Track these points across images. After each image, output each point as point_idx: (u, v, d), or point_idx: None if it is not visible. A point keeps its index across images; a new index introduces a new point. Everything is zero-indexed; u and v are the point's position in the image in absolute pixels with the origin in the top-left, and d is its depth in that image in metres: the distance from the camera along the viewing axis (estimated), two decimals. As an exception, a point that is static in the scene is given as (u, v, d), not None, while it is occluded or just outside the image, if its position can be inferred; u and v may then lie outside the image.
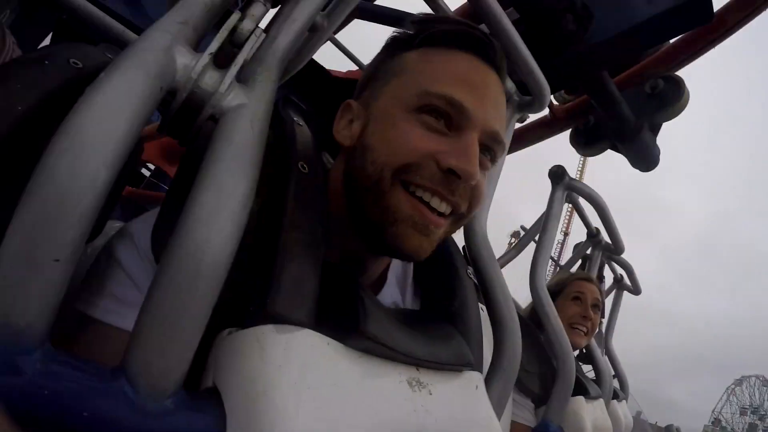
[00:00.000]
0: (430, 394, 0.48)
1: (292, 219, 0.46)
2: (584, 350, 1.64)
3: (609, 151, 1.55)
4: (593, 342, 1.59)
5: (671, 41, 1.38)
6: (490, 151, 0.60)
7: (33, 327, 0.30)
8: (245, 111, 0.43)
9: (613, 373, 1.77)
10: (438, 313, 0.66)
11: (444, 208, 0.55)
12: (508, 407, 0.84)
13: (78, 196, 0.29)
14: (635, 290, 1.95)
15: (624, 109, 1.29)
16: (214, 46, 0.44)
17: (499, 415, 0.61)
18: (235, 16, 0.47)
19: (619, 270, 1.96)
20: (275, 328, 0.38)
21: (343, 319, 0.44)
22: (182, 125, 0.45)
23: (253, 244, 0.45)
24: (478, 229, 0.85)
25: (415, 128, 0.55)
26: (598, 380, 1.55)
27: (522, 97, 0.95)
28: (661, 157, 1.49)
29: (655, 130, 1.42)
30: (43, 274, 0.29)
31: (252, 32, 0.47)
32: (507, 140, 0.92)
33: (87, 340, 0.46)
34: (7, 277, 0.29)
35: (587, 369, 1.63)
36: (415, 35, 0.61)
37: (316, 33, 0.80)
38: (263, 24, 0.58)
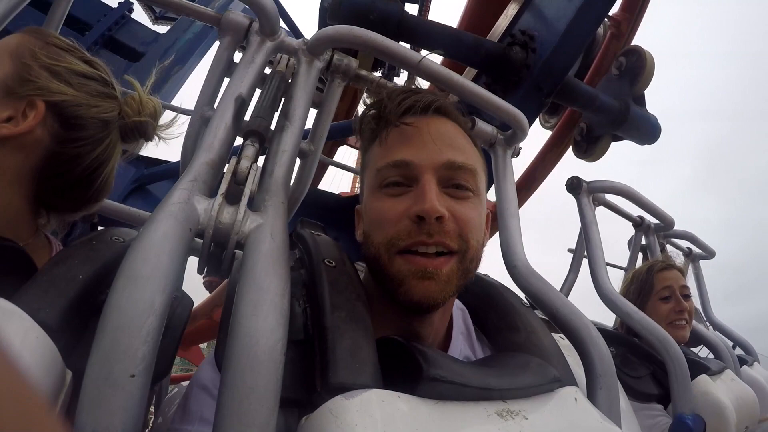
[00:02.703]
0: (526, 419, 0.46)
1: (332, 302, 0.51)
2: None
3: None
4: (692, 322, 1.48)
5: (609, 17, 1.47)
6: (458, 182, 0.63)
7: None
8: (264, 228, 0.50)
9: (731, 343, 1.62)
10: (510, 350, 0.65)
11: (432, 249, 0.58)
12: (633, 424, 0.76)
13: (141, 318, 0.35)
14: (708, 254, 1.81)
15: (604, 100, 1.35)
16: (223, 187, 0.53)
17: (616, 420, 0.57)
18: (233, 161, 0.56)
19: (684, 243, 1.84)
20: (343, 396, 0.40)
21: (407, 373, 0.45)
22: (217, 259, 0.52)
23: (305, 339, 0.49)
24: (518, 262, 0.85)
25: (384, 202, 0.61)
26: (715, 353, 1.45)
27: (505, 134, 1.01)
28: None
29: (641, 101, 1.45)
30: (123, 389, 0.34)
31: (249, 168, 0.57)
32: (506, 178, 0.96)
33: None
34: (92, 395, 0.34)
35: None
36: (371, 135, 0.71)
37: (307, 158, 0.93)
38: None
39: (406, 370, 0.47)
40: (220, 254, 0.52)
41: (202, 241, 0.49)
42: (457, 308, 0.74)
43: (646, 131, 1.49)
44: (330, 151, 2.33)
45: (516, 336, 0.66)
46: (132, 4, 3.33)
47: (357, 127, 0.75)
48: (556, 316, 0.74)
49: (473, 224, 0.62)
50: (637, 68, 1.40)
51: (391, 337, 0.53)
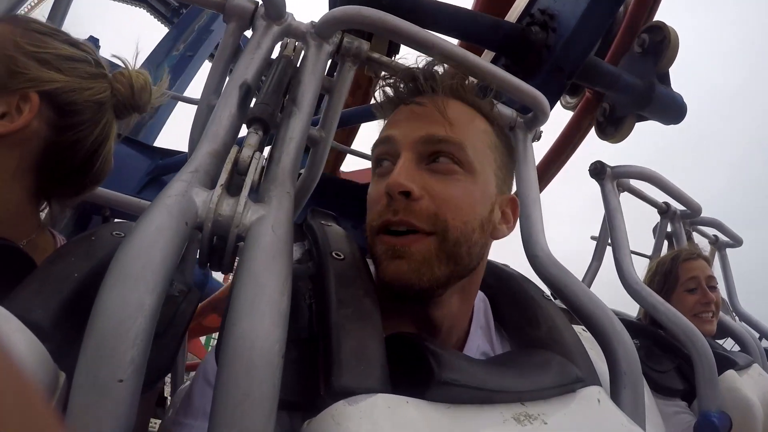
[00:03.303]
0: (545, 423, 0.43)
1: (338, 298, 0.48)
2: None
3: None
4: (719, 314, 1.42)
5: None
6: (441, 154, 0.59)
7: None
8: (265, 220, 0.48)
9: (757, 335, 1.56)
10: (529, 346, 0.61)
11: (402, 227, 0.55)
12: (657, 420, 0.72)
13: (129, 319, 0.33)
14: (735, 242, 1.74)
15: (627, 79, 1.28)
16: (222, 178, 0.50)
17: (641, 421, 0.53)
18: (233, 150, 0.54)
19: (710, 231, 1.77)
20: (347, 401, 0.38)
21: (418, 375, 0.42)
22: (218, 254, 0.50)
23: (310, 338, 0.47)
24: (539, 252, 0.81)
25: (375, 184, 0.61)
26: (742, 347, 1.40)
27: (525, 117, 0.96)
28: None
29: (665, 80, 1.38)
30: (111, 394, 0.32)
31: (252, 157, 0.54)
32: (528, 164, 0.92)
33: None
34: (80, 401, 0.32)
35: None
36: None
37: (318, 146, 0.90)
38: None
39: (417, 371, 0.44)
40: (221, 247, 0.50)
41: (200, 243, 0.47)
42: (479, 300, 0.70)
43: (672, 111, 1.42)
44: (347, 138, 2.29)
45: (536, 331, 0.62)
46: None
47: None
48: (580, 309, 0.70)
49: (456, 202, 0.57)
50: (662, 45, 1.33)
51: (402, 333, 0.49)
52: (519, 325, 0.65)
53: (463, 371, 0.43)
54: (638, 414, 0.56)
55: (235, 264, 0.52)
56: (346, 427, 0.35)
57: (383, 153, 0.62)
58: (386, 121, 0.66)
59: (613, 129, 1.49)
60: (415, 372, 0.43)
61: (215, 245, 0.51)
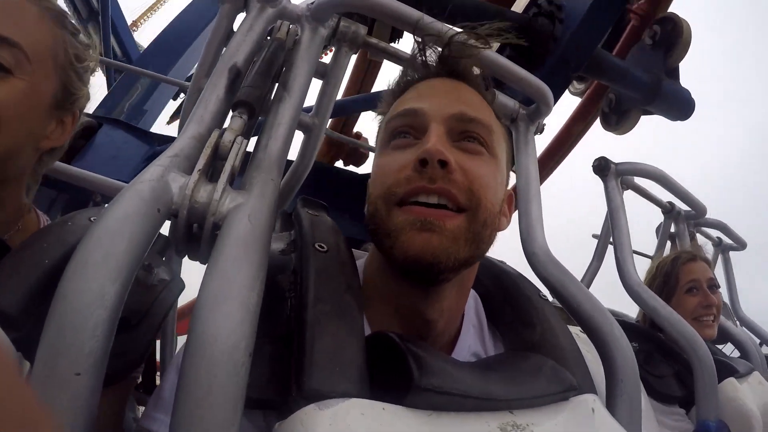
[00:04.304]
0: (533, 434, 0.40)
1: (316, 294, 0.45)
2: None
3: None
4: (720, 318, 1.39)
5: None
6: (470, 134, 0.57)
7: None
8: (242, 209, 0.45)
9: (758, 340, 1.54)
10: (522, 348, 0.58)
11: (435, 199, 0.51)
12: (653, 427, 0.69)
13: (88, 310, 0.31)
14: (740, 245, 1.70)
15: (635, 73, 1.24)
16: (200, 163, 0.47)
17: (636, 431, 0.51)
18: (215, 134, 0.51)
19: (714, 232, 1.73)
20: (317, 405, 0.35)
21: (397, 380, 0.40)
22: (196, 242, 0.47)
23: (287, 334, 0.44)
24: (537, 249, 0.78)
25: (390, 156, 0.57)
26: (743, 353, 1.37)
27: (528, 108, 0.93)
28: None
29: (674, 74, 1.33)
30: (67, 388, 0.30)
31: (233, 142, 0.51)
32: (528, 157, 0.89)
33: None
34: (38, 394, 0.30)
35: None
36: (385, 103, 0.67)
37: (311, 133, 0.87)
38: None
39: (397, 375, 0.41)
40: (198, 235, 0.47)
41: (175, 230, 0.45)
42: (471, 297, 0.67)
43: (679, 108, 1.38)
44: (344, 127, 2.25)
45: (531, 333, 0.59)
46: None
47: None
48: (578, 311, 0.67)
49: (486, 181, 0.55)
50: (674, 37, 1.28)
51: (382, 333, 0.46)
52: (513, 326, 0.63)
53: (446, 377, 0.40)
54: (634, 423, 0.53)
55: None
56: None
57: (405, 125, 0.57)
58: (402, 97, 0.63)
59: (618, 120, 1.45)
60: (395, 376, 0.41)
61: (195, 233, 0.48)
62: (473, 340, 0.64)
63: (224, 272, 0.36)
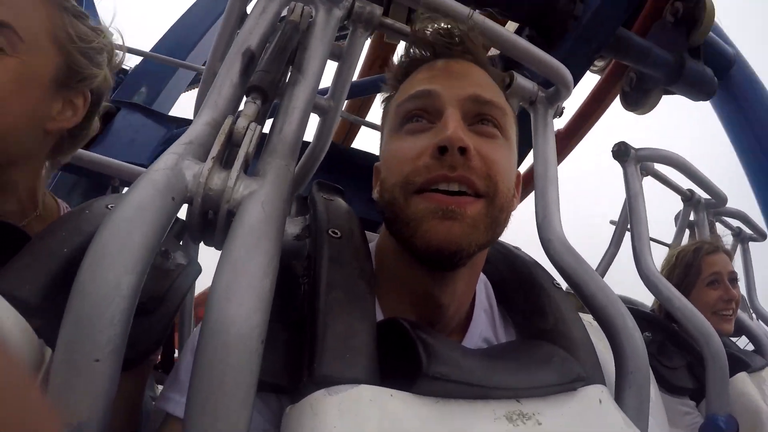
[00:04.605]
0: (539, 424, 0.41)
1: (329, 281, 0.46)
2: None
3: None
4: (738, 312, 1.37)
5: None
6: (485, 116, 0.57)
7: (86, 426, 0.32)
8: (256, 196, 0.45)
9: None
10: (534, 337, 0.58)
11: (456, 187, 0.51)
12: (661, 418, 0.69)
13: (106, 301, 0.33)
14: (759, 236, 1.67)
15: (657, 53, 1.19)
16: (214, 150, 0.48)
17: (644, 424, 0.52)
18: (228, 120, 0.51)
19: (734, 222, 1.70)
20: (326, 391, 0.36)
21: (406, 367, 0.40)
22: (211, 230, 0.48)
23: (300, 320, 0.45)
24: (553, 236, 0.77)
25: (404, 141, 0.56)
26: (757, 347, 1.35)
27: (547, 91, 0.91)
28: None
29: (696, 54, 1.28)
30: (86, 374, 0.32)
31: (247, 128, 0.51)
32: (547, 141, 0.87)
33: None
34: (58, 381, 0.32)
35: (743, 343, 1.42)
36: (393, 79, 0.67)
37: (327, 115, 0.87)
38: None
39: (404, 359, 0.42)
40: (213, 223, 0.48)
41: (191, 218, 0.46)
42: (481, 281, 0.67)
43: (702, 87, 1.33)
44: (360, 109, 2.23)
45: (543, 322, 0.59)
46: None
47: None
48: (591, 301, 0.67)
49: (502, 166, 0.55)
50: (697, 14, 1.22)
51: (394, 319, 0.47)
52: (525, 314, 0.63)
53: (455, 365, 0.40)
54: (642, 416, 0.53)
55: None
56: (323, 419, 0.34)
57: (420, 108, 0.57)
58: (411, 76, 0.63)
59: (639, 99, 1.40)
60: (405, 363, 0.41)
61: (210, 220, 0.49)
62: (484, 325, 0.64)
63: (237, 261, 0.36)
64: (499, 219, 0.54)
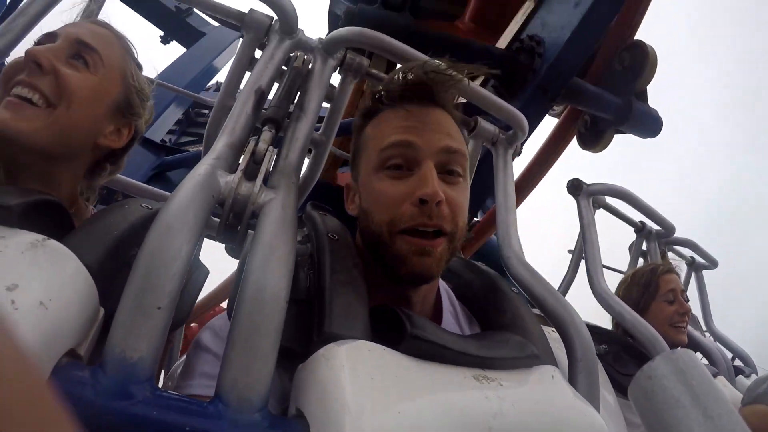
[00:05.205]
0: (501, 385, 0.51)
1: (332, 267, 0.57)
2: None
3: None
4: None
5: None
6: (453, 167, 0.69)
7: (143, 361, 0.41)
8: (276, 200, 0.57)
9: (730, 354, 1.67)
10: (495, 329, 0.70)
11: (431, 230, 0.65)
12: (618, 415, 0.80)
13: (170, 260, 0.43)
14: (711, 263, 1.84)
15: (608, 98, 1.39)
16: (242, 165, 0.60)
17: (594, 404, 0.61)
18: (251, 143, 0.64)
19: (687, 251, 1.87)
20: (335, 344, 0.47)
21: (393, 336, 0.51)
22: (234, 228, 0.59)
23: (306, 299, 0.56)
24: (511, 253, 0.90)
25: (386, 184, 0.68)
26: (709, 359, 1.50)
27: (507, 133, 1.07)
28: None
29: (643, 97, 1.50)
30: (150, 318, 0.41)
31: (266, 150, 0.64)
32: (506, 176, 1.02)
33: None
34: (124, 322, 0.41)
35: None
36: (366, 113, 0.78)
37: (319, 148, 1.00)
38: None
39: (393, 331, 0.53)
40: (236, 225, 0.59)
41: (220, 216, 0.56)
42: (444, 289, 0.80)
43: (648, 126, 1.54)
44: (341, 144, 2.40)
45: (502, 317, 0.71)
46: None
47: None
48: (543, 304, 0.78)
49: (462, 208, 0.69)
50: (641, 62, 1.45)
51: (383, 304, 0.59)
52: (487, 311, 0.75)
53: (431, 332, 0.51)
54: (593, 397, 0.64)
55: (247, 241, 0.62)
56: (334, 363, 0.44)
57: (401, 156, 0.68)
58: (380, 122, 0.74)
59: (594, 140, 1.61)
60: (391, 332, 0.52)
61: (230, 223, 0.60)
62: (452, 324, 0.76)
63: (268, 242, 0.48)
64: (456, 248, 0.69)
